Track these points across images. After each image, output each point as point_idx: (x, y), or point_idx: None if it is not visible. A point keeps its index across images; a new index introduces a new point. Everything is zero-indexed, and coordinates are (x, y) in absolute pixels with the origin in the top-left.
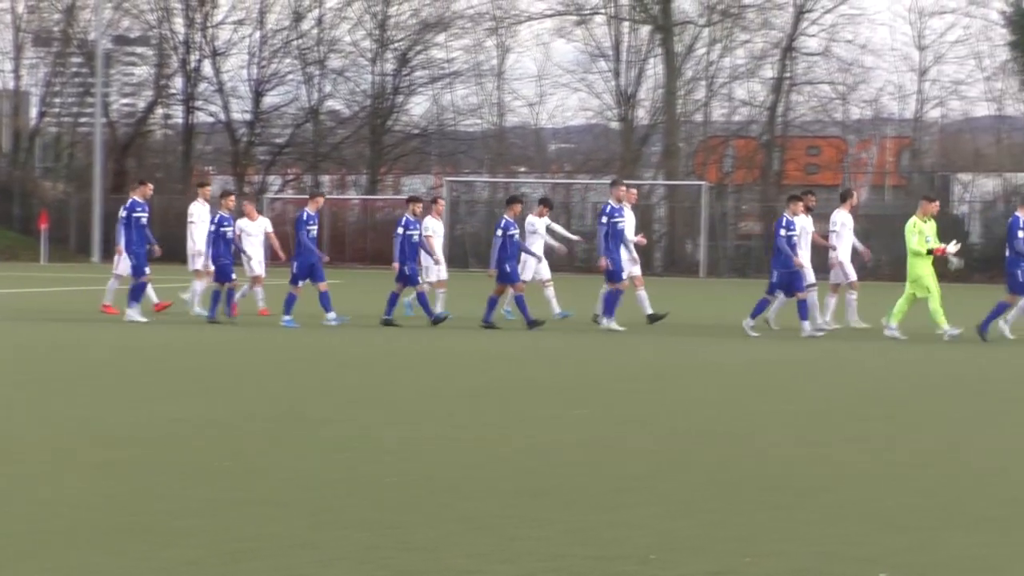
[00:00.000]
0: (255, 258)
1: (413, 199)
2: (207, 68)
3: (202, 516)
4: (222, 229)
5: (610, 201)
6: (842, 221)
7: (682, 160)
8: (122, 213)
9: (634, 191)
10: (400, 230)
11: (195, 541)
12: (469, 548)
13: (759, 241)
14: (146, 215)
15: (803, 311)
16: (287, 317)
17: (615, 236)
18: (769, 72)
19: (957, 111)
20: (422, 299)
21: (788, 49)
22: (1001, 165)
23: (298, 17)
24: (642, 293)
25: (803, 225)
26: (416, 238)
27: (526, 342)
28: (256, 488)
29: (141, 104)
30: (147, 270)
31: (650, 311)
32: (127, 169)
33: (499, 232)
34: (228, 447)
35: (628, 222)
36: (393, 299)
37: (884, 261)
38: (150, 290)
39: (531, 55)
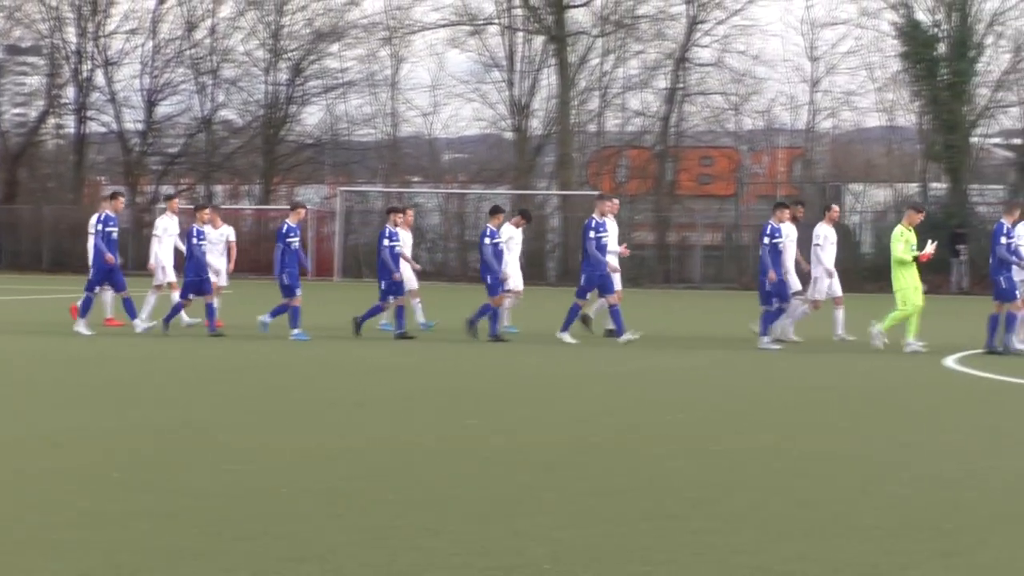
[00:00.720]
0: (217, 267)
1: (393, 210)
2: (99, 78)
3: (91, 528)
4: (197, 243)
5: (594, 216)
6: (824, 234)
7: (576, 170)
8: (97, 227)
9: (616, 201)
10: (386, 242)
11: (84, 553)
12: (362, 559)
13: (652, 251)
14: (116, 229)
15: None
16: (297, 331)
17: (600, 250)
18: (662, 83)
19: (849, 122)
20: (399, 312)
21: (681, 60)
22: (892, 175)
23: (191, 27)
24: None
25: (788, 233)
26: (398, 249)
27: (424, 353)
28: (146, 499)
29: (33, 114)
30: (108, 285)
31: (611, 327)
32: (19, 179)
33: (486, 241)
34: (119, 457)
35: (612, 235)
36: (400, 312)
37: None
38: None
39: (425, 65)
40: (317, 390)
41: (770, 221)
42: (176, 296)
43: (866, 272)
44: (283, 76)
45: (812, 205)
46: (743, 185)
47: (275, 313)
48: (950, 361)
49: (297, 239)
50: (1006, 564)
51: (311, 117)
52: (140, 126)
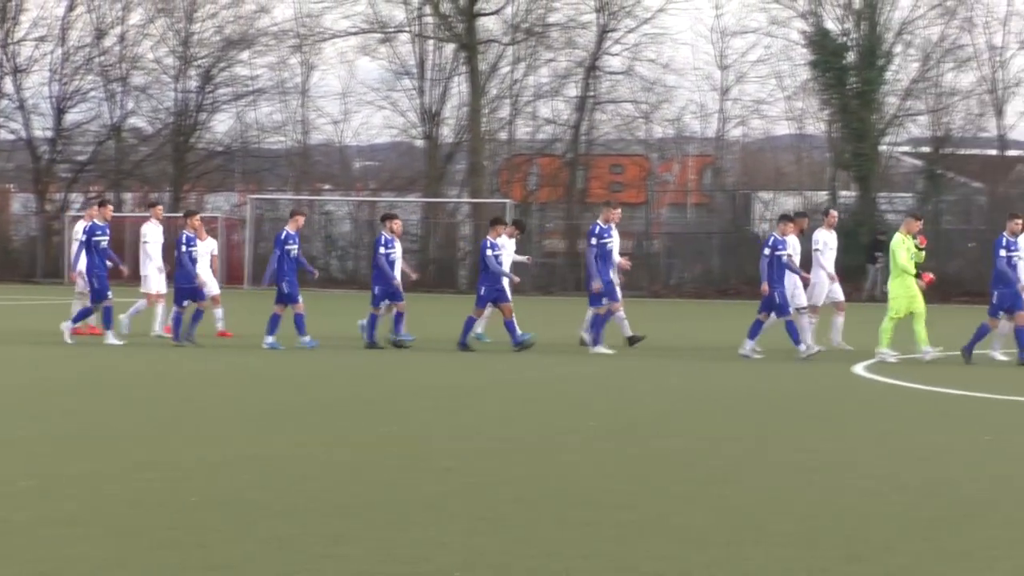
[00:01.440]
0: (203, 279)
1: (389, 217)
2: (8, 85)
3: (2, 537)
4: (188, 249)
5: (598, 222)
6: (824, 240)
7: (487, 178)
8: (81, 236)
9: (619, 210)
10: (382, 250)
11: None
12: (275, 567)
13: (564, 259)
14: (106, 238)
15: (756, 331)
16: (306, 338)
17: (603, 257)
18: (573, 91)
19: (758, 130)
20: (397, 319)
21: (592, 68)
22: (801, 183)
23: (100, 34)
24: (621, 314)
25: (793, 245)
26: (394, 257)
27: (337, 361)
28: (59, 508)
29: None
30: (110, 293)
31: (629, 333)
32: None
33: (489, 252)
34: (27, 466)
35: (615, 243)
36: (398, 318)
37: (688, 278)
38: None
39: (336, 73)
40: (230, 399)
41: (773, 233)
42: (144, 304)
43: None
44: (193, 83)
45: (722, 212)
46: (653, 193)
47: (272, 328)
48: (859, 368)
49: (296, 246)
50: (914, 569)
51: (221, 124)
52: (49, 133)
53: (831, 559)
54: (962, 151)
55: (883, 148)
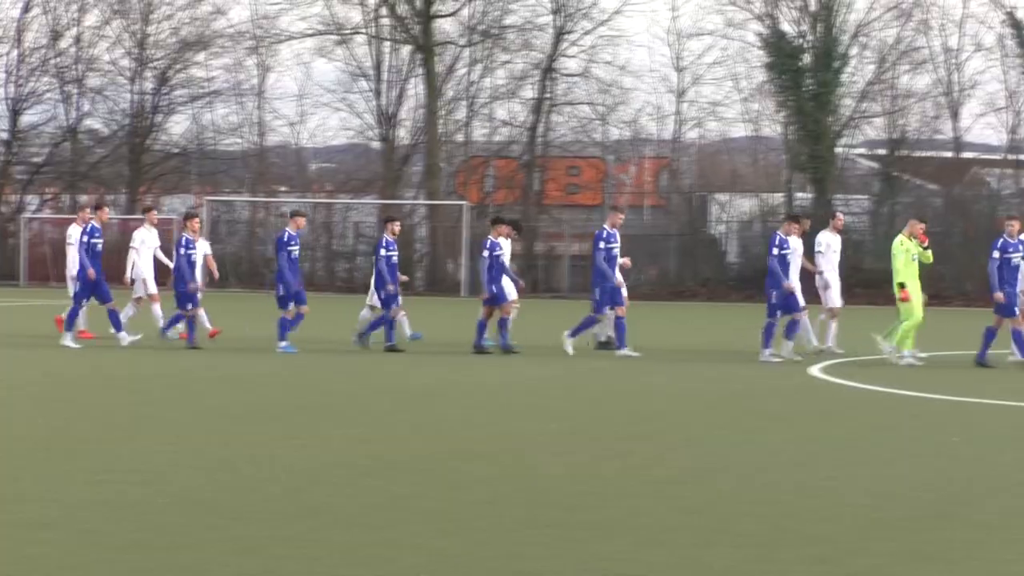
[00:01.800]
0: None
1: (390, 220)
2: None
3: None
4: (187, 252)
5: (605, 226)
6: (827, 242)
7: (443, 180)
8: (83, 238)
9: (623, 215)
10: (383, 252)
11: None
12: (238, 569)
13: (520, 260)
14: (101, 240)
15: (790, 331)
16: (284, 343)
17: (610, 261)
18: (529, 93)
19: (714, 132)
20: (389, 324)
21: (548, 70)
22: (757, 186)
23: (56, 35)
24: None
25: (795, 246)
26: (395, 260)
27: (298, 364)
28: (20, 511)
29: None
30: (85, 301)
31: (604, 339)
32: None
33: (485, 253)
34: None
35: (617, 247)
36: (390, 324)
37: (644, 280)
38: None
39: (292, 74)
40: (191, 402)
41: (778, 232)
42: (157, 308)
43: (732, 282)
44: (149, 85)
45: (678, 214)
46: (610, 195)
47: (287, 329)
48: (815, 370)
49: (297, 247)
50: (879, 571)
51: (177, 126)
52: (4, 135)
53: (797, 560)
54: (917, 153)
55: (839, 150)
